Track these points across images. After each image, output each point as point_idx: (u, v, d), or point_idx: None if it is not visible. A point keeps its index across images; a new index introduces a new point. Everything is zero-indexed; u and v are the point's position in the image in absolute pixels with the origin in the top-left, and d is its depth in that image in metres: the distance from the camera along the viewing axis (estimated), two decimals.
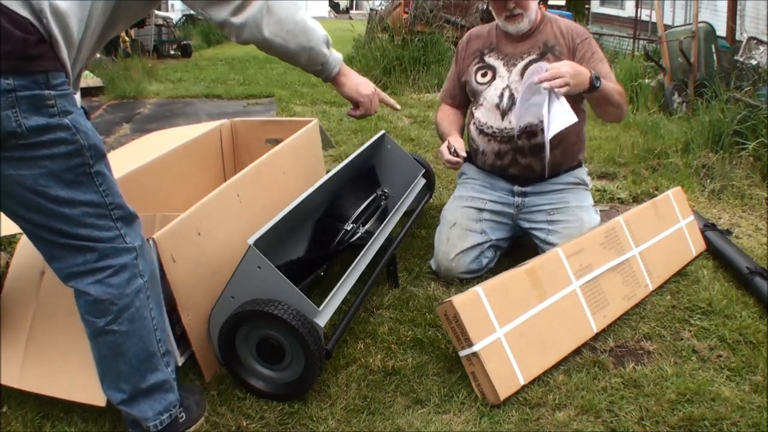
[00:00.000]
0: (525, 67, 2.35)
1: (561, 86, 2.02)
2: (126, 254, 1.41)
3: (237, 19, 1.45)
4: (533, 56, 2.36)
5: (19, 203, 1.31)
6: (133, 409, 1.44)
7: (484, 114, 2.39)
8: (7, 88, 1.22)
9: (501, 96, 2.36)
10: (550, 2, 14.38)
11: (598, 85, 2.12)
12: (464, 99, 2.56)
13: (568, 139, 2.35)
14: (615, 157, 3.98)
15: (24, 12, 1.22)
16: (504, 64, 2.40)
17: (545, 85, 2.02)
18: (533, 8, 2.36)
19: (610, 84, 2.24)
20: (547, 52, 2.35)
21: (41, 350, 1.67)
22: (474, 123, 2.45)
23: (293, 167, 2.43)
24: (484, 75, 2.44)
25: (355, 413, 1.66)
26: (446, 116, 2.58)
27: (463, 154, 2.38)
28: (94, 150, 1.35)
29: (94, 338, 1.41)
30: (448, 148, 2.38)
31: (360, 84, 1.76)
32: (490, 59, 2.44)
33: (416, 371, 1.83)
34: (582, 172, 2.50)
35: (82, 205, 1.34)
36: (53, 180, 1.30)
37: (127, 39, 8.89)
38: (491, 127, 2.37)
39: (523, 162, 2.38)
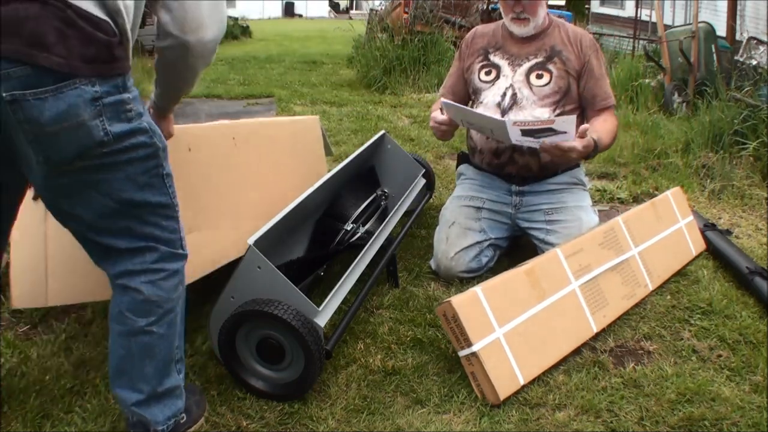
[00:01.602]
0: (530, 69, 2.35)
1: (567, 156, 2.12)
2: (180, 260, 1.42)
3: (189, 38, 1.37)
4: (539, 59, 2.37)
5: (87, 206, 1.27)
6: (146, 412, 1.42)
7: (484, 112, 2.39)
8: (94, 96, 1.18)
9: (503, 95, 2.37)
10: (550, 2, 14.39)
11: (592, 156, 2.25)
12: (464, 95, 2.56)
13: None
14: (615, 157, 3.98)
15: (101, 13, 1.18)
16: (509, 64, 2.41)
17: (551, 149, 2.09)
18: (541, 15, 2.37)
19: (606, 138, 2.29)
20: (554, 56, 2.35)
21: (62, 264, 1.70)
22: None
23: (290, 154, 2.44)
24: (488, 73, 2.44)
25: (355, 413, 1.66)
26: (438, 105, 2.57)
27: (458, 105, 2.30)
28: (166, 151, 1.35)
29: (128, 336, 1.38)
30: (440, 110, 2.35)
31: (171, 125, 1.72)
32: (495, 58, 2.44)
33: (416, 371, 1.83)
34: (579, 173, 2.50)
35: (153, 206, 1.33)
36: (129, 183, 1.28)
37: None
38: None
39: (521, 161, 2.38)
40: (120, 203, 1.28)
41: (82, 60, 1.15)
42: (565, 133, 2.03)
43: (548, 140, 2.06)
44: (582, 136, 2.09)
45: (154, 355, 1.41)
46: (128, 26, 1.25)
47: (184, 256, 1.43)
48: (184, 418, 1.52)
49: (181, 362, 1.50)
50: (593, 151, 2.19)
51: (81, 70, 1.15)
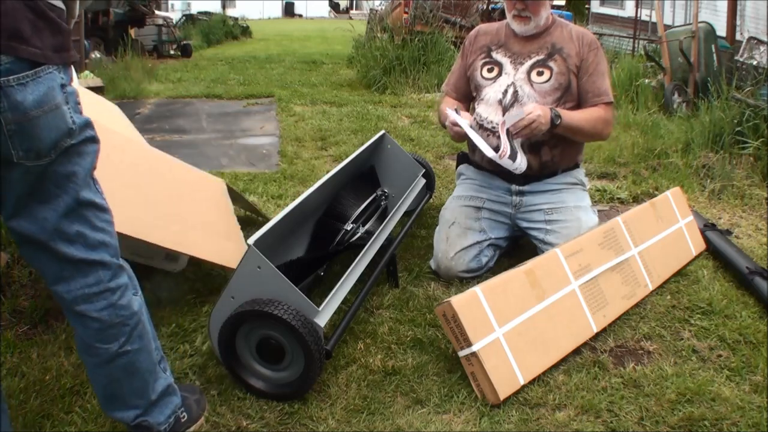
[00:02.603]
0: (531, 66, 2.36)
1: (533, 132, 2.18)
2: (125, 271, 1.39)
3: None
4: (541, 56, 2.37)
5: (54, 206, 1.26)
6: (146, 419, 1.43)
7: (485, 109, 2.39)
8: (62, 83, 1.22)
9: (505, 92, 2.37)
10: (552, 2, 14.38)
11: (557, 123, 2.22)
12: (467, 92, 2.56)
13: (567, 140, 2.35)
14: (615, 157, 3.98)
15: (59, 2, 1.22)
16: (511, 62, 2.41)
17: (524, 133, 2.18)
18: (543, 15, 2.37)
19: (578, 114, 2.30)
20: (554, 53, 2.36)
21: None
22: (474, 118, 2.45)
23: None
24: (490, 70, 2.44)
25: (355, 413, 1.66)
26: (451, 106, 2.55)
27: (467, 120, 2.33)
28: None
29: (105, 364, 1.36)
30: (455, 110, 2.35)
31: None
32: (498, 55, 2.45)
33: (416, 371, 1.83)
34: (579, 173, 2.50)
35: (98, 208, 1.32)
36: (84, 180, 1.29)
37: None
38: (491, 122, 2.37)
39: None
40: (78, 203, 1.28)
41: (52, 50, 1.20)
42: (518, 114, 2.15)
43: (519, 133, 2.17)
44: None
45: (138, 369, 1.40)
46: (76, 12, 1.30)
47: (124, 266, 1.40)
48: (184, 415, 1.52)
49: (163, 361, 1.49)
50: (558, 120, 2.21)
51: (52, 59, 1.20)
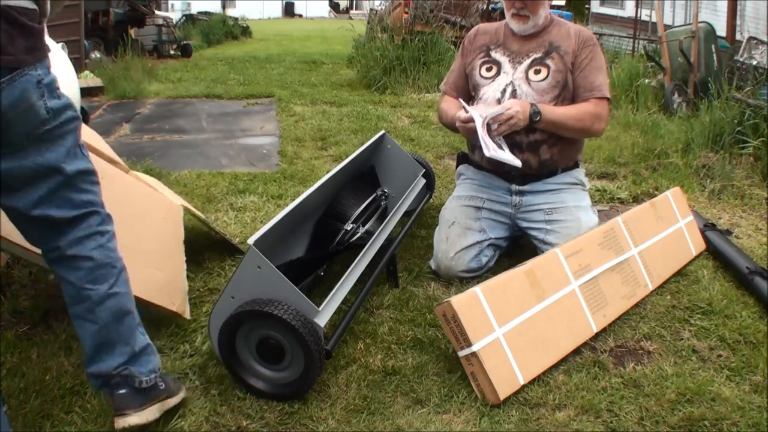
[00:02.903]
0: (529, 65, 2.36)
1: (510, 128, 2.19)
2: (112, 222, 1.52)
3: None
4: (538, 54, 2.37)
5: (36, 185, 1.38)
6: (129, 368, 1.49)
7: (484, 109, 2.39)
8: (38, 79, 1.32)
9: (503, 92, 2.37)
10: (551, 2, 14.38)
11: (536, 119, 2.23)
12: (467, 91, 2.56)
13: (565, 138, 2.35)
14: (615, 157, 3.98)
15: (31, 3, 1.32)
16: (510, 61, 2.41)
17: (502, 129, 2.19)
18: (541, 14, 2.37)
19: (561, 109, 2.30)
20: (552, 51, 2.36)
21: None
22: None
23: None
24: (488, 69, 2.44)
25: (355, 413, 1.66)
26: (452, 105, 2.51)
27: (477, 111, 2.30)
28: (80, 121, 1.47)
29: (95, 308, 1.45)
30: (464, 108, 2.33)
31: None
32: (496, 54, 2.45)
33: (416, 371, 1.83)
34: (579, 173, 2.50)
35: (84, 173, 1.45)
36: (68, 156, 1.41)
37: None
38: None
39: (520, 158, 2.36)
40: (64, 176, 1.40)
41: (25, 52, 1.31)
42: (494, 111, 2.17)
43: (498, 129, 2.19)
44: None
45: (125, 314, 1.50)
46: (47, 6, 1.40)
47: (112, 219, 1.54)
48: (162, 384, 1.56)
49: (141, 325, 1.58)
50: (537, 116, 2.22)
51: (26, 61, 1.31)
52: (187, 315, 2.05)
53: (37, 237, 1.48)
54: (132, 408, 1.48)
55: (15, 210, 1.42)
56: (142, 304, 1.86)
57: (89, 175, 1.47)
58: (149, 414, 1.50)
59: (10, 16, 1.27)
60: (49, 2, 1.40)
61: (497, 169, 2.45)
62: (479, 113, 2.20)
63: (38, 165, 1.37)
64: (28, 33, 1.30)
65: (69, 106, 1.41)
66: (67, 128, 1.41)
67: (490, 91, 2.40)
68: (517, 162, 2.21)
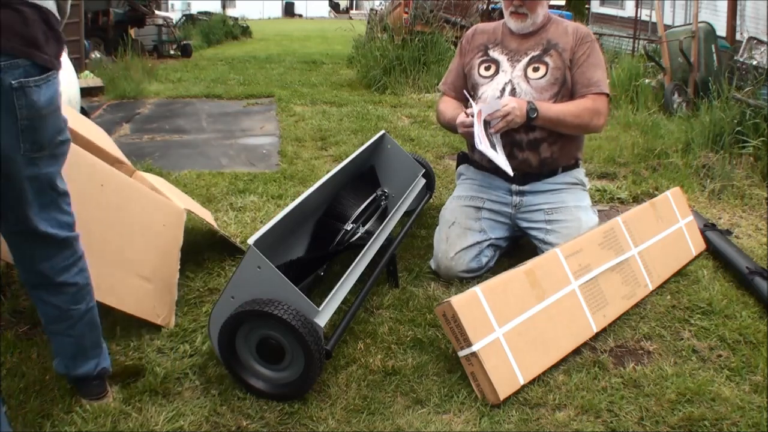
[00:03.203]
0: (528, 63, 2.36)
1: (507, 125, 2.19)
2: (79, 241, 1.56)
3: None
4: (537, 52, 2.37)
5: (37, 197, 1.41)
6: (104, 368, 1.64)
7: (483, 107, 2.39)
8: (58, 87, 1.39)
9: (502, 90, 2.37)
10: (550, 2, 14.40)
11: (534, 116, 2.22)
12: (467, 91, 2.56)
13: (565, 135, 2.35)
14: (615, 157, 3.98)
15: (55, 10, 1.37)
16: (508, 60, 2.41)
17: (499, 125, 2.19)
18: (540, 12, 2.37)
19: (558, 105, 2.29)
20: (550, 49, 2.36)
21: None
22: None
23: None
24: (487, 68, 2.44)
25: (355, 413, 1.66)
26: (450, 105, 2.53)
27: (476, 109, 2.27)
28: None
29: (77, 324, 1.55)
30: (464, 113, 2.32)
31: None
32: (495, 53, 2.45)
33: (416, 371, 1.83)
34: (579, 173, 2.50)
35: (67, 195, 1.50)
36: (58, 174, 1.45)
37: None
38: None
39: (520, 156, 2.38)
40: (57, 192, 1.46)
41: (55, 57, 1.37)
42: (492, 105, 2.17)
43: (495, 126, 2.19)
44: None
45: (96, 323, 1.62)
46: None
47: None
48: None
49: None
50: (534, 113, 2.21)
51: (56, 65, 1.38)
52: (172, 325, 2.04)
53: (35, 257, 1.49)
54: (101, 393, 1.66)
55: (22, 229, 1.45)
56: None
57: (68, 197, 1.51)
58: (112, 393, 1.68)
59: (48, 20, 1.33)
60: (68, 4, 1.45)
61: (495, 167, 2.45)
62: (479, 107, 2.20)
63: (43, 176, 1.40)
64: (58, 39, 1.36)
65: (66, 121, 1.46)
66: (67, 146, 1.46)
67: (489, 90, 2.40)
68: (508, 169, 2.21)
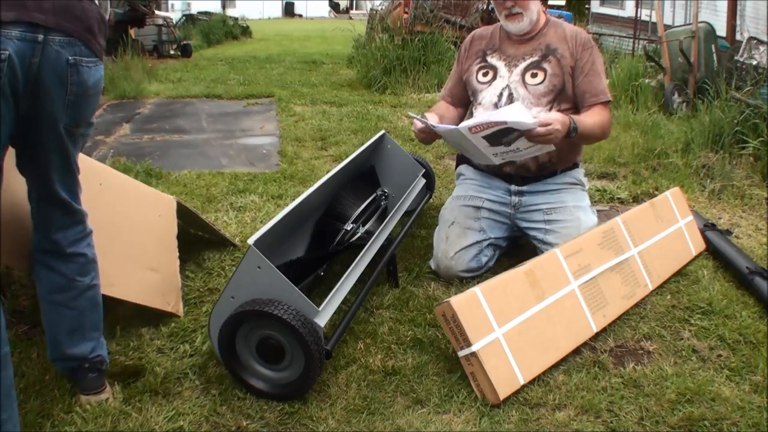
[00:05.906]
0: (526, 68, 2.36)
1: (547, 142, 2.08)
2: (87, 220, 1.65)
3: None
4: (535, 58, 2.37)
5: (59, 170, 1.53)
6: (101, 351, 1.67)
7: (482, 113, 2.39)
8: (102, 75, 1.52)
9: (500, 95, 2.37)
10: (550, 2, 14.40)
11: (573, 135, 2.18)
12: (463, 98, 2.57)
13: (565, 143, 2.35)
14: (615, 157, 3.98)
15: (105, 8, 1.52)
16: (506, 65, 2.41)
17: (539, 131, 2.03)
18: (533, 9, 2.36)
19: (589, 120, 2.26)
20: (548, 55, 2.35)
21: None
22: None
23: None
24: (485, 74, 2.44)
25: (355, 413, 1.66)
26: (436, 107, 2.58)
27: (431, 122, 2.25)
28: None
29: (79, 297, 1.61)
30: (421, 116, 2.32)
31: None
32: (492, 59, 2.45)
33: (416, 371, 1.83)
34: (579, 173, 2.50)
35: (78, 174, 1.60)
36: (77, 154, 1.57)
37: None
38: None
39: (519, 162, 2.38)
40: (76, 168, 1.57)
41: (103, 48, 1.51)
42: (527, 124, 2.01)
43: (521, 144, 2.08)
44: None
45: (98, 303, 1.67)
46: None
47: None
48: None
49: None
50: (573, 127, 2.15)
51: (102, 56, 1.51)
52: (181, 313, 2.07)
53: (53, 224, 1.58)
54: (99, 387, 1.67)
55: (49, 184, 1.54)
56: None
57: (78, 177, 1.61)
58: (110, 390, 1.69)
59: (101, 15, 1.48)
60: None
61: (496, 171, 2.45)
62: (510, 118, 2.02)
63: (71, 151, 1.52)
64: (105, 34, 1.50)
65: None
66: (91, 130, 1.59)
67: (487, 95, 2.40)
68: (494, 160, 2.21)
